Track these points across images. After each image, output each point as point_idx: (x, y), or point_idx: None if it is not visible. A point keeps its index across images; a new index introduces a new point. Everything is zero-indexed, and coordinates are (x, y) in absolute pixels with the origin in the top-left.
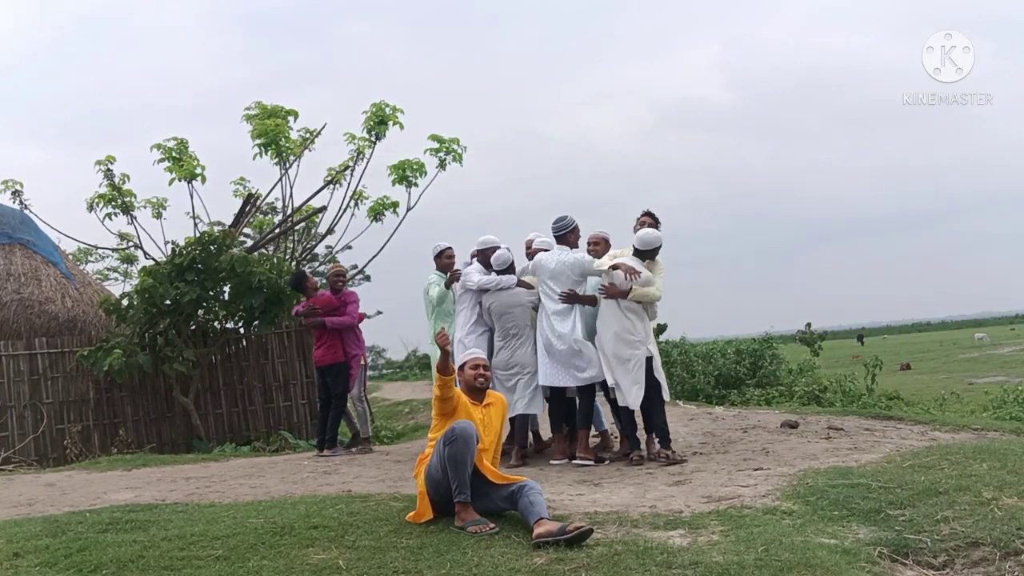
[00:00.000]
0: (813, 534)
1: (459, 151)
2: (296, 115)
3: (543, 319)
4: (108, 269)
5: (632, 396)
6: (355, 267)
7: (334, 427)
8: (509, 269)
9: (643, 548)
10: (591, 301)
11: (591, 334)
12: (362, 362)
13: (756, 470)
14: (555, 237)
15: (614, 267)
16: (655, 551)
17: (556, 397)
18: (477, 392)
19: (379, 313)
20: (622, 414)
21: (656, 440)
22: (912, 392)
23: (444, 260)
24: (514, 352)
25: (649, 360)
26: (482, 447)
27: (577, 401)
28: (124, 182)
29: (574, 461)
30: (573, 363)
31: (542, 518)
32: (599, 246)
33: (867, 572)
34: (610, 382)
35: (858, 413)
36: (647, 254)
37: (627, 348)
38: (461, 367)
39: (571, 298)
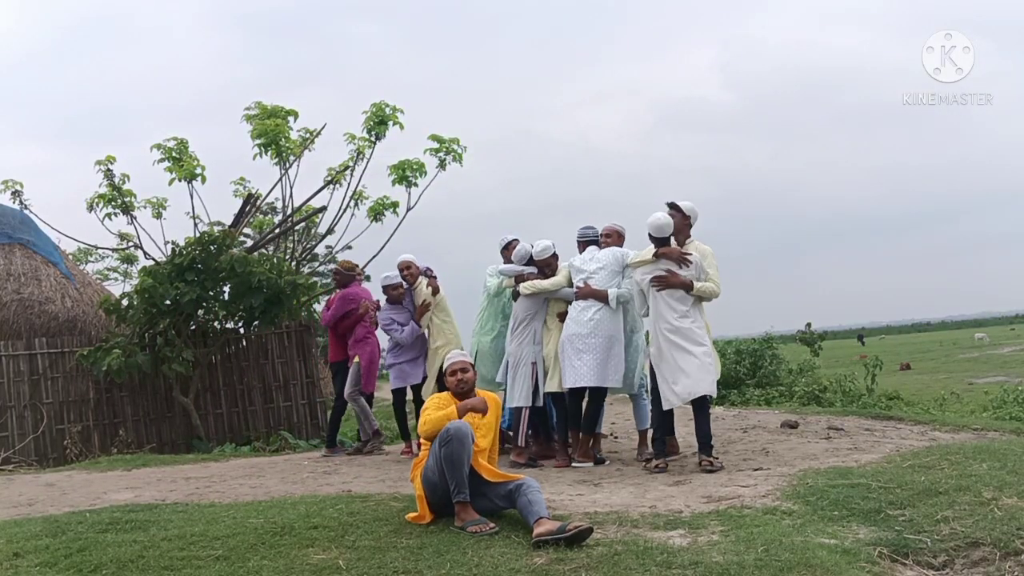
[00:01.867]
0: (813, 534)
1: (459, 151)
2: (296, 115)
3: (581, 317)
4: (108, 269)
5: (693, 388)
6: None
7: (331, 427)
8: (529, 263)
9: (643, 548)
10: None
11: (631, 332)
12: (356, 360)
13: (756, 470)
14: (587, 241)
15: (660, 255)
16: (655, 551)
17: (576, 396)
18: (463, 396)
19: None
20: (656, 416)
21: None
22: (912, 392)
23: (509, 253)
24: (521, 343)
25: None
26: (477, 448)
27: (586, 404)
28: (124, 182)
29: (573, 464)
30: (608, 363)
31: (542, 517)
32: (611, 239)
33: (867, 572)
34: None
35: (858, 413)
36: (663, 242)
37: (681, 341)
38: (443, 373)
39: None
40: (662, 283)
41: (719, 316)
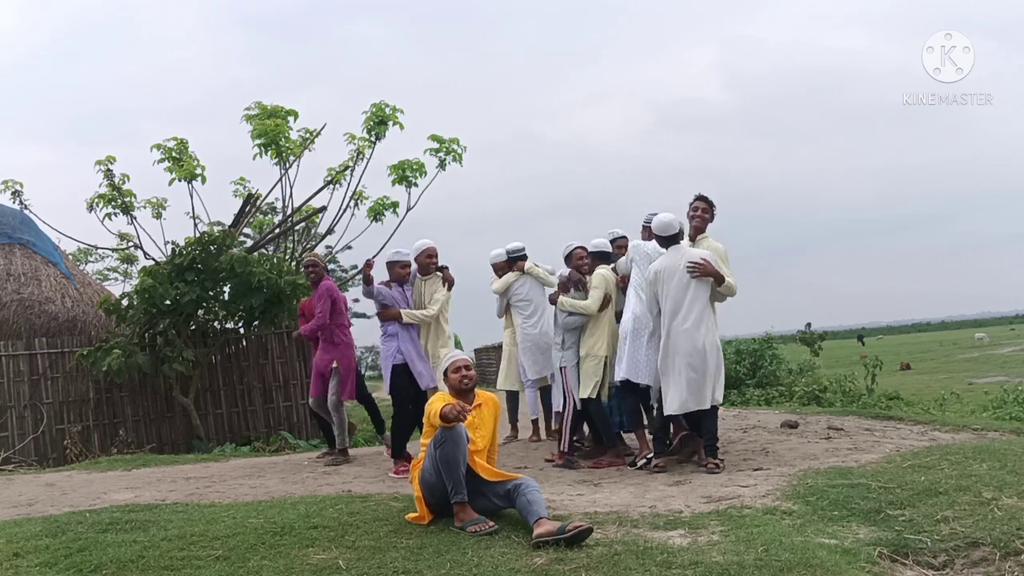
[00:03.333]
0: (813, 534)
1: (459, 151)
2: (296, 115)
3: (648, 312)
4: (108, 269)
5: (717, 393)
6: (355, 267)
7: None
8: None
9: (643, 548)
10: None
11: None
12: (333, 365)
13: (756, 470)
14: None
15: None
16: (655, 551)
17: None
18: (464, 394)
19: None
20: (658, 415)
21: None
22: (912, 392)
23: (572, 262)
24: (556, 349)
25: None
26: (475, 448)
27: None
28: (124, 182)
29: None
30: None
31: (541, 517)
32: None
33: (867, 572)
34: (661, 383)
35: (858, 413)
36: (671, 240)
37: (705, 341)
38: (445, 372)
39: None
40: (699, 270)
41: (721, 315)
